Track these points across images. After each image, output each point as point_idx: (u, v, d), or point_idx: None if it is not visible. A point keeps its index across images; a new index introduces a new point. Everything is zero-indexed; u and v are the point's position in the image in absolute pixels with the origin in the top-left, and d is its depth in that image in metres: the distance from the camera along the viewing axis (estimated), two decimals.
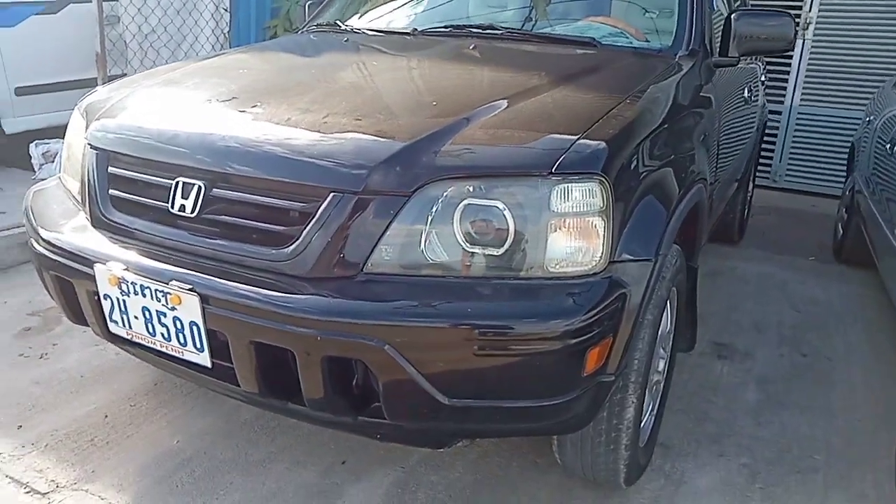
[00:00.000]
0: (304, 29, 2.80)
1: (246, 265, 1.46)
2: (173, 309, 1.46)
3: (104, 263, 1.55)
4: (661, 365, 2.00)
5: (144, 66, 4.72)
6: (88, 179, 1.75)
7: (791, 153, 5.35)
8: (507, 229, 1.38)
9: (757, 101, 3.47)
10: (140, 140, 1.67)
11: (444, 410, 1.38)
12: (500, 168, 1.42)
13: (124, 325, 1.58)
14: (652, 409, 1.99)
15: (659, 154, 1.70)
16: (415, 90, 1.88)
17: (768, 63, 4.21)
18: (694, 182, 1.90)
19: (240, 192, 1.49)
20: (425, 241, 1.40)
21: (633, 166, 1.55)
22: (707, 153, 2.15)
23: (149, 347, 1.58)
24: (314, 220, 1.40)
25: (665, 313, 1.84)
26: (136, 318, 1.55)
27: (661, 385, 2.05)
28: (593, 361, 1.41)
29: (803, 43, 5.04)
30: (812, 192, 5.29)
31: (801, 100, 5.20)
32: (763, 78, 3.81)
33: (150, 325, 1.53)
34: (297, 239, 1.42)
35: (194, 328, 1.46)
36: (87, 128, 1.82)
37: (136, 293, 1.51)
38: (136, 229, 1.62)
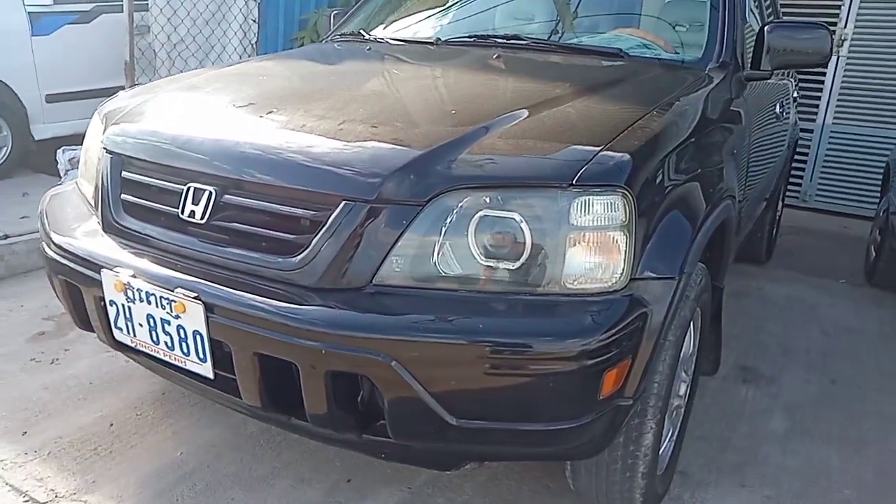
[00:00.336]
0: (329, 38, 2.79)
1: (254, 274, 1.42)
2: (177, 317, 1.42)
3: (111, 269, 1.52)
4: (683, 389, 1.91)
5: (172, 75, 4.75)
6: (102, 184, 1.73)
7: (822, 172, 5.23)
8: (524, 243, 1.32)
9: (788, 117, 3.38)
10: (153, 144, 1.64)
11: (451, 431, 1.32)
12: (518, 178, 1.36)
13: (129, 332, 1.55)
14: (671, 436, 1.90)
15: (685, 168, 1.63)
16: (434, 99, 1.84)
17: (800, 80, 4.11)
18: (722, 198, 1.83)
19: (250, 199, 1.45)
20: (438, 254, 1.34)
21: (657, 180, 1.48)
22: (736, 169, 2.07)
23: (152, 356, 1.54)
24: (325, 228, 1.36)
25: (688, 334, 1.76)
26: (140, 325, 1.51)
27: (682, 410, 1.96)
28: (611, 384, 1.34)
29: (837, 60, 4.93)
30: (843, 212, 5.16)
31: (835, 118, 5.08)
32: (795, 94, 3.71)
33: (154, 334, 1.49)
34: (307, 248, 1.37)
35: (198, 337, 1.41)
36: (104, 132, 1.81)
37: (141, 300, 1.48)
38: (146, 235, 1.59)
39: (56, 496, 1.81)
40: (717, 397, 2.50)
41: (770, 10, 3.19)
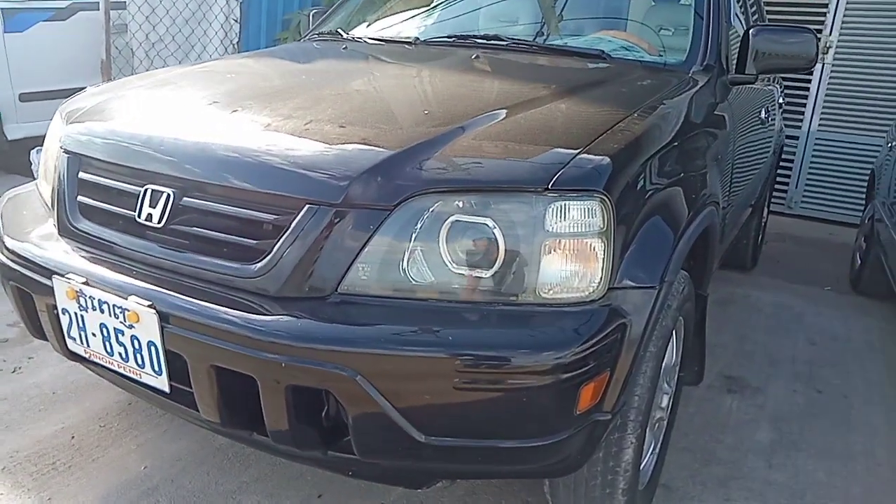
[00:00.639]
0: (306, 37, 2.72)
1: (212, 281, 1.35)
2: (131, 327, 1.34)
3: (63, 275, 1.44)
4: (665, 401, 1.85)
5: None
6: (59, 185, 1.65)
7: (808, 179, 5.21)
8: (498, 250, 1.26)
9: (774, 123, 3.34)
10: (111, 143, 1.57)
11: (420, 449, 1.25)
12: (491, 182, 1.29)
13: (82, 342, 1.47)
14: (654, 449, 1.84)
15: (667, 173, 1.58)
16: (408, 99, 1.77)
17: (786, 87, 4.09)
18: (705, 204, 1.77)
19: (209, 202, 1.37)
20: (408, 261, 1.27)
21: (638, 185, 1.42)
22: (720, 174, 2.02)
23: (107, 368, 1.46)
24: (287, 233, 1.29)
25: (670, 345, 1.70)
26: (93, 335, 1.43)
27: (665, 422, 1.90)
28: (588, 398, 1.28)
29: (822, 67, 4.92)
30: (829, 219, 5.14)
31: (820, 125, 5.07)
32: (781, 100, 3.68)
33: (107, 344, 1.41)
34: (268, 254, 1.30)
35: (152, 349, 1.33)
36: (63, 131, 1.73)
37: (94, 308, 1.40)
38: (102, 239, 1.51)
39: None
40: (702, 406, 2.44)
41: (756, 14, 3.16)
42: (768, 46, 2.13)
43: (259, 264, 1.30)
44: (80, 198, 1.59)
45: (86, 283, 1.40)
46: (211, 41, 5.04)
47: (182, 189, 1.41)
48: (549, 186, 1.26)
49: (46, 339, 1.63)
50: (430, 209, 1.27)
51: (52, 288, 1.47)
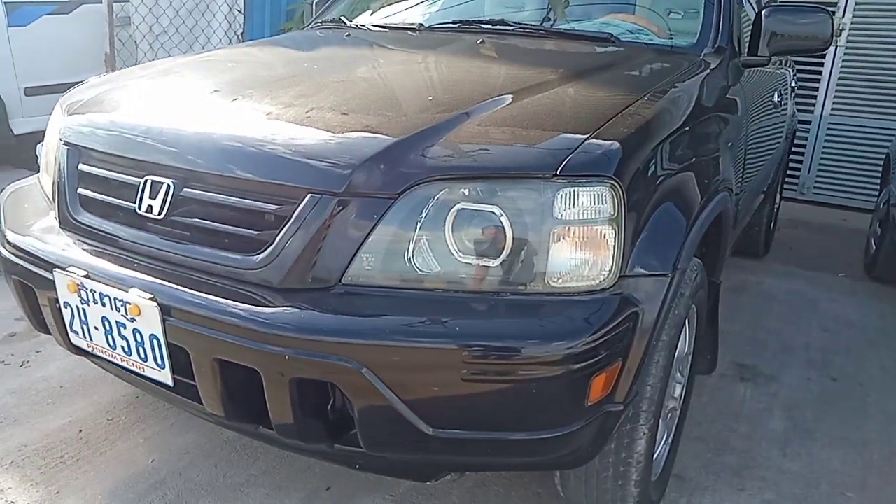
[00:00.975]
0: (310, 26, 2.69)
1: (214, 273, 1.32)
2: (133, 320, 1.32)
3: (64, 269, 1.42)
4: (678, 390, 1.82)
5: None
6: (59, 177, 1.63)
7: (821, 164, 5.13)
8: (505, 238, 1.22)
9: (787, 107, 3.28)
10: (110, 134, 1.54)
11: (428, 442, 1.22)
12: (498, 169, 1.26)
13: (85, 336, 1.45)
14: (666, 439, 1.81)
15: (679, 157, 1.54)
16: (411, 85, 1.73)
17: (798, 70, 4.01)
18: (718, 190, 1.73)
19: (210, 193, 1.35)
20: (413, 250, 1.24)
21: (649, 170, 1.39)
22: (732, 159, 1.97)
23: (110, 361, 1.44)
24: (289, 223, 1.26)
25: (683, 333, 1.66)
26: (96, 328, 1.41)
27: (678, 412, 1.87)
28: (599, 389, 1.25)
29: (835, 50, 4.82)
30: (842, 205, 5.06)
31: (833, 109, 4.98)
32: (793, 84, 3.61)
33: (110, 338, 1.39)
34: (271, 244, 1.27)
35: (154, 342, 1.31)
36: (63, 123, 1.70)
37: (95, 301, 1.38)
38: (102, 232, 1.49)
39: None
40: (715, 395, 2.41)
41: None
42: (781, 27, 2.07)
43: (261, 255, 1.27)
44: (80, 190, 1.57)
45: (87, 277, 1.38)
46: (215, 32, 5.01)
47: (182, 179, 1.38)
48: (558, 172, 1.23)
49: (50, 333, 1.61)
50: (436, 197, 1.24)
51: (53, 281, 1.45)
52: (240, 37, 5.13)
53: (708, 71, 1.91)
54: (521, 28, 2.20)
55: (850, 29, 4.80)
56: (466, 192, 1.24)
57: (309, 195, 1.25)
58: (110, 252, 1.45)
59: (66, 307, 1.45)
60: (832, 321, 3.15)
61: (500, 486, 1.88)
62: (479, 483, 1.88)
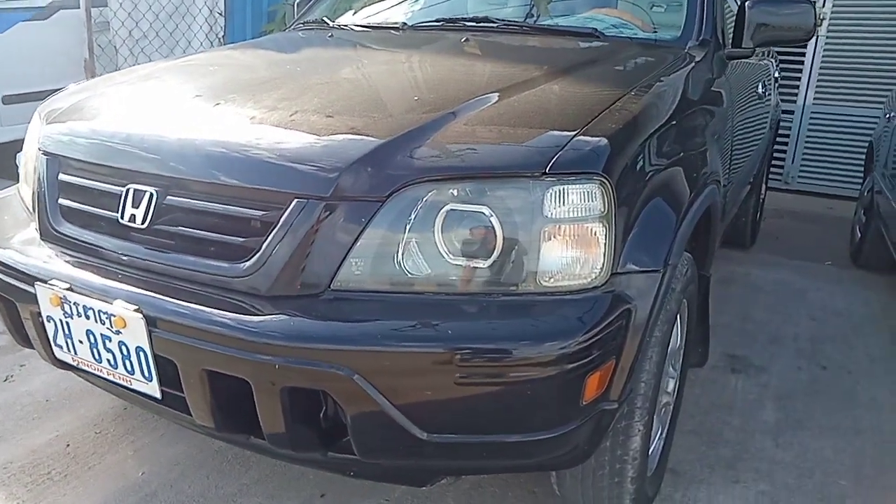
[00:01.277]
0: (291, 27, 2.66)
1: (200, 282, 1.30)
2: (118, 332, 1.29)
3: (46, 282, 1.39)
4: (671, 385, 1.82)
5: None
6: (39, 188, 1.59)
7: (804, 154, 5.16)
8: (495, 238, 1.21)
9: (770, 98, 3.29)
10: (90, 143, 1.51)
11: (422, 447, 1.21)
12: (486, 168, 1.25)
13: (69, 350, 1.42)
14: (661, 434, 1.81)
15: (667, 152, 1.53)
16: (396, 85, 1.71)
17: (780, 60, 4.03)
18: (706, 183, 1.72)
19: (194, 200, 1.32)
20: (402, 253, 1.23)
21: (638, 166, 1.38)
22: (720, 152, 1.97)
23: (96, 375, 1.41)
24: (276, 230, 1.24)
25: (675, 328, 1.66)
26: (80, 342, 1.38)
27: (671, 406, 1.87)
28: (594, 388, 1.24)
29: (816, 39, 4.85)
30: (827, 193, 5.09)
31: (815, 98, 5.01)
32: (777, 75, 3.63)
33: (95, 351, 1.36)
34: (257, 251, 1.25)
35: (141, 354, 1.29)
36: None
37: (79, 315, 1.35)
38: (85, 243, 1.46)
39: None
40: (707, 387, 2.41)
41: None
42: (765, 18, 2.07)
43: (248, 263, 1.25)
44: (61, 200, 1.54)
45: (70, 289, 1.35)
46: (196, 35, 4.96)
47: (165, 187, 1.36)
48: (547, 170, 1.22)
49: (33, 348, 1.58)
50: (424, 199, 1.22)
51: (35, 295, 1.42)
52: (221, 40, 5.08)
53: (693, 64, 1.91)
54: (504, 25, 2.19)
55: (830, 18, 4.83)
56: (455, 192, 1.23)
57: (295, 200, 1.23)
58: (93, 263, 1.42)
59: (49, 321, 1.42)
60: (819, 310, 3.16)
61: (497, 486, 1.87)
62: (476, 485, 1.87)
